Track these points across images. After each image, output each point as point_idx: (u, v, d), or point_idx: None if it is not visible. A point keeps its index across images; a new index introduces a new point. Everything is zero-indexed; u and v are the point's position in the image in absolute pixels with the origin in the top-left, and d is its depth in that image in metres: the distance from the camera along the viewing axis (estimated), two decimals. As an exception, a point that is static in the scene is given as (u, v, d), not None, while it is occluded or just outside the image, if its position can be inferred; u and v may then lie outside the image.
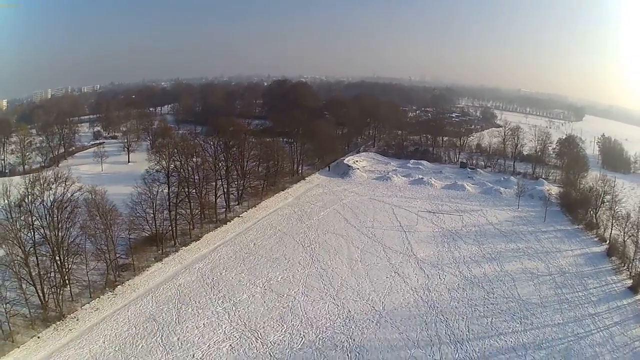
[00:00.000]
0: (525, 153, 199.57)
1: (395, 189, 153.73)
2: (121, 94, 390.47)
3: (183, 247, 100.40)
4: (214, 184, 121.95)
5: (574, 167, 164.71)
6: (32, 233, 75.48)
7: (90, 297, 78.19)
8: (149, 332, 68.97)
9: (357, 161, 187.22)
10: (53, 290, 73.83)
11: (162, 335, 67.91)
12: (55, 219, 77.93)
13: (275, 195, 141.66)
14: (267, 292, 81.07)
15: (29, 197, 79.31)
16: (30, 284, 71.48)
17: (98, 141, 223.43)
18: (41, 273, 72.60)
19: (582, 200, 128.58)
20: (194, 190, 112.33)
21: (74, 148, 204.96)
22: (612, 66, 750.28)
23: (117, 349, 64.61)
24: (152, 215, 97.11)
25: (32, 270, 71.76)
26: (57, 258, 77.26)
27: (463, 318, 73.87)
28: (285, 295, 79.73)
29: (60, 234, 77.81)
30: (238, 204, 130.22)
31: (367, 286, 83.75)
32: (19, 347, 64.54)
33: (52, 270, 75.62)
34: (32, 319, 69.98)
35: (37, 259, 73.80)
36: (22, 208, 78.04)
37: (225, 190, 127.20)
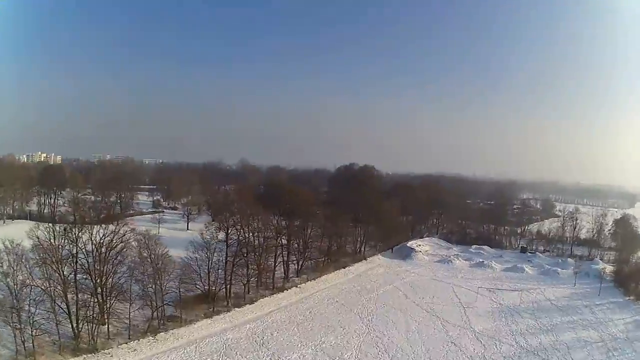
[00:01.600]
0: (582, 237, 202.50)
1: (455, 271, 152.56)
2: (185, 168, 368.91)
3: (235, 308, 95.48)
4: (274, 251, 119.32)
5: (627, 245, 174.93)
6: (75, 262, 71.32)
7: (129, 338, 73.89)
8: (188, 379, 65.28)
9: (420, 245, 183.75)
10: (88, 322, 69.79)
11: (202, 385, 64.32)
12: (103, 254, 74.51)
13: (336, 271, 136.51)
14: (319, 354, 78.02)
15: (77, 226, 75.42)
16: (65, 312, 68.20)
17: (157, 209, 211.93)
18: (78, 304, 68.77)
19: (634, 273, 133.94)
20: (252, 255, 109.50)
21: (132, 211, 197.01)
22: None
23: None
24: (206, 271, 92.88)
25: (69, 299, 68.16)
26: (98, 292, 73.05)
27: (520, 381, 72.40)
28: (337, 359, 76.61)
29: (105, 268, 74.16)
30: (297, 276, 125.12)
31: (422, 354, 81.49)
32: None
33: (92, 302, 71.45)
34: (61, 346, 66.42)
35: (76, 289, 69.81)
36: (67, 233, 73.24)
37: (284, 259, 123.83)
